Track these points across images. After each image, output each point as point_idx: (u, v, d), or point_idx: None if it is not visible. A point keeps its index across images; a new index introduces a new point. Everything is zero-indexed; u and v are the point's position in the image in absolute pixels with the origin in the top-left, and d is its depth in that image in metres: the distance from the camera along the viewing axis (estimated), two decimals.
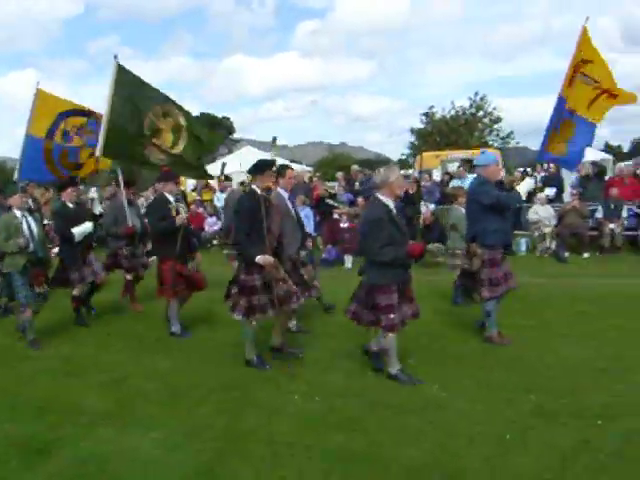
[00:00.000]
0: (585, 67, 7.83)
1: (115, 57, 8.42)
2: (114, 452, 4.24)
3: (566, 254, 12.45)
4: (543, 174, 16.12)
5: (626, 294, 8.75)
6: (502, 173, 7.41)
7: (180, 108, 8.88)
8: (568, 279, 10.15)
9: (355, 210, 13.24)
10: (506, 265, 6.63)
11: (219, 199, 16.11)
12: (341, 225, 12.77)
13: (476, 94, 39.78)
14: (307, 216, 12.98)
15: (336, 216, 13.23)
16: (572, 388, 5.15)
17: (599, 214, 13.29)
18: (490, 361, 5.97)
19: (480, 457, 4.00)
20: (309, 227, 12.96)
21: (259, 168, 6.03)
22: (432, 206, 14.36)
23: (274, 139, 6.98)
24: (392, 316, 5.27)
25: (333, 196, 14.58)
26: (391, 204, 5.39)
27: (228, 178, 16.95)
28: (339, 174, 17.36)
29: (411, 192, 13.42)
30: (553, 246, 12.94)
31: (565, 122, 8.04)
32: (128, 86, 8.43)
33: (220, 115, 62.93)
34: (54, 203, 11.93)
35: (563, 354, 6.12)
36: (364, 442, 4.29)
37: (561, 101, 7.92)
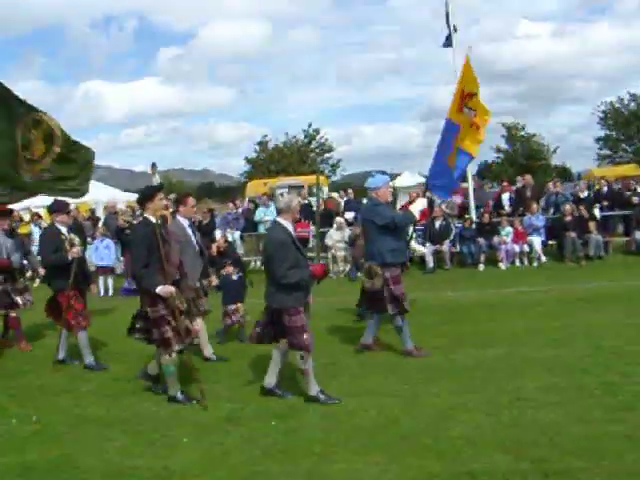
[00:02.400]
0: (470, 100, 8.02)
1: None
2: None
3: (358, 273, 13.64)
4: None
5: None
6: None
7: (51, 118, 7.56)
8: None
9: None
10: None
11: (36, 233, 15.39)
12: None
13: (309, 125, 42.13)
14: (108, 247, 13.19)
15: None
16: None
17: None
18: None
19: None
20: (108, 259, 13.18)
21: (148, 194, 5.73)
22: (237, 233, 15.10)
23: (153, 165, 6.76)
24: (306, 336, 5.34)
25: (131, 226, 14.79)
26: (291, 227, 5.52)
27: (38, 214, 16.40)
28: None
29: (205, 222, 14.16)
30: (347, 268, 14.15)
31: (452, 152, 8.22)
32: None
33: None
34: None
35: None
36: None
37: (450, 124, 8.08)
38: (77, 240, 7.13)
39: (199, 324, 6.83)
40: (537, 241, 13.89)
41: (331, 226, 14.68)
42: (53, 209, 7.24)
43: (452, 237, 14.14)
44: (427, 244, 14.02)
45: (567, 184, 25.37)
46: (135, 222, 15.04)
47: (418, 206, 7.17)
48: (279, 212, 5.64)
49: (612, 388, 5.32)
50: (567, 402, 5.06)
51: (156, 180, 6.37)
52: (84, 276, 7.22)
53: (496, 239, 13.88)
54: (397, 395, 5.51)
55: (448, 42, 15.33)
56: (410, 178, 26.82)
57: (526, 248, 13.89)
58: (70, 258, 6.81)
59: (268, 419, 5.13)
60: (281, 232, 5.43)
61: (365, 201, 8.70)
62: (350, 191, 16.99)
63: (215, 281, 7.55)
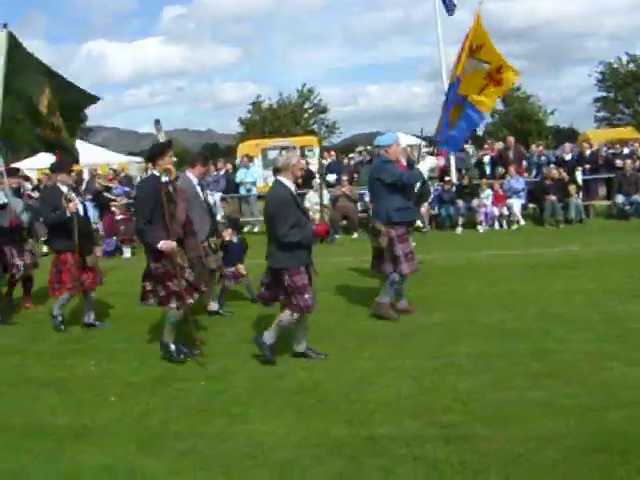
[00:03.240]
0: (478, 52, 7.97)
1: (4, 25, 7.57)
2: None
3: (336, 236, 13.66)
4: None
5: None
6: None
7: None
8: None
9: None
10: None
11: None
12: (117, 218, 13.20)
13: (303, 85, 41.68)
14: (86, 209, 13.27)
15: (113, 209, 13.61)
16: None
17: (367, 197, 14.69)
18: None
19: None
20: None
21: (157, 151, 5.69)
22: (217, 195, 15.07)
23: (157, 122, 6.65)
24: (307, 296, 5.30)
25: (109, 189, 14.87)
26: (292, 186, 5.43)
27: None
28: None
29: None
30: None
31: (456, 106, 8.18)
32: (20, 58, 7.65)
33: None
34: None
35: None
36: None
37: (452, 86, 8.09)
38: (74, 195, 7.04)
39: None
40: (517, 204, 13.84)
41: (312, 188, 14.65)
42: (54, 168, 7.19)
43: (430, 199, 14.08)
44: None
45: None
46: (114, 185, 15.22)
47: (427, 165, 7.04)
48: (278, 171, 5.51)
49: (543, 355, 5.37)
50: (492, 369, 5.10)
51: (162, 137, 6.30)
52: (87, 237, 7.10)
53: (475, 202, 13.84)
54: (328, 359, 5.56)
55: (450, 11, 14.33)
56: (404, 138, 26.63)
57: (505, 211, 13.85)
58: (68, 214, 6.75)
59: (198, 380, 5.22)
60: (282, 190, 5.34)
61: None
62: (332, 153, 16.91)
63: (228, 236, 7.59)
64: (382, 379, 5.03)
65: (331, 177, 16.07)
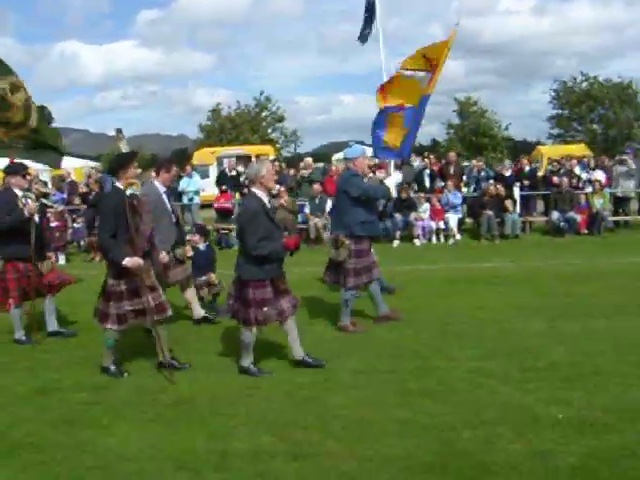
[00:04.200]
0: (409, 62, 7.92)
1: None
2: None
3: None
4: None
5: None
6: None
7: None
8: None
9: None
10: (372, 256, 6.96)
11: None
12: (51, 224, 13.06)
13: (261, 94, 41.83)
14: None
15: (48, 215, 13.43)
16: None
17: (307, 209, 14.74)
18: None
19: None
20: None
21: (120, 163, 5.52)
22: None
23: (119, 130, 6.43)
24: (265, 309, 5.29)
25: (46, 196, 14.69)
26: (265, 198, 5.41)
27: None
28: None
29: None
30: None
31: (393, 117, 8.14)
32: None
33: (40, 103, 57.86)
34: None
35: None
36: None
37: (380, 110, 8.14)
38: (32, 199, 6.81)
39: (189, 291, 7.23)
40: (453, 219, 14.03)
41: None
42: (9, 171, 6.90)
43: None
44: None
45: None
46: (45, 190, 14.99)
47: (393, 180, 7.11)
48: (250, 182, 5.52)
49: (427, 373, 5.43)
50: (370, 385, 5.19)
51: (124, 146, 6.13)
52: (41, 242, 6.81)
53: (413, 215, 13.95)
54: (213, 372, 5.61)
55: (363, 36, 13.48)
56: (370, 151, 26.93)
57: (442, 225, 13.99)
58: (27, 214, 6.48)
59: (83, 390, 5.23)
60: (254, 202, 5.32)
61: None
62: (277, 163, 16.96)
63: (190, 252, 7.43)
64: (259, 392, 5.09)
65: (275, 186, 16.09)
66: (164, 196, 6.84)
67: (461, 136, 40.94)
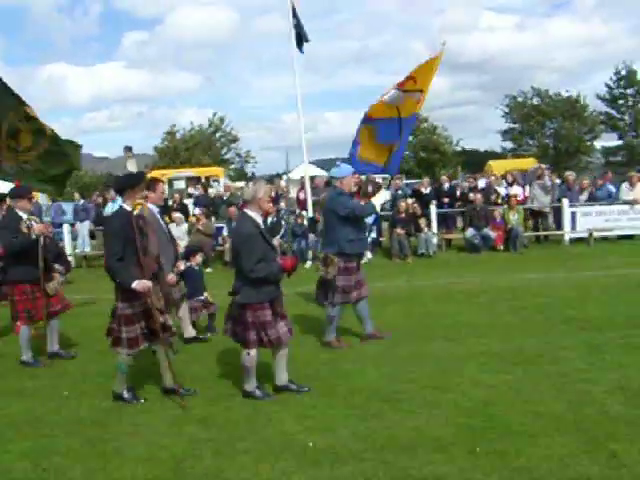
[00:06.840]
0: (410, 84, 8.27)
1: None
2: None
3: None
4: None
5: None
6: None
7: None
8: None
9: None
10: (360, 274, 7.03)
11: None
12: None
13: (214, 115, 42.19)
14: None
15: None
16: None
17: (225, 231, 14.73)
18: None
19: None
20: None
21: (129, 183, 5.39)
22: (86, 224, 14.95)
23: (129, 148, 6.16)
24: (274, 330, 5.20)
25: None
26: (259, 220, 5.29)
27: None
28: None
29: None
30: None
31: (362, 131, 8.61)
32: None
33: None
34: None
35: None
36: None
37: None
38: (37, 219, 6.88)
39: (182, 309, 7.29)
40: None
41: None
42: (14, 194, 6.88)
43: (282, 232, 14.18)
44: None
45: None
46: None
47: (380, 198, 7.19)
48: (246, 203, 5.39)
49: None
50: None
51: (132, 165, 5.94)
52: (46, 265, 6.78)
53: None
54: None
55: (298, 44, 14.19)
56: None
57: None
58: (34, 236, 6.51)
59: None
60: (248, 224, 5.19)
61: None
62: (199, 186, 16.99)
63: (182, 267, 7.31)
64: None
65: (197, 211, 16.09)
66: (158, 216, 6.84)
67: (412, 152, 41.35)
